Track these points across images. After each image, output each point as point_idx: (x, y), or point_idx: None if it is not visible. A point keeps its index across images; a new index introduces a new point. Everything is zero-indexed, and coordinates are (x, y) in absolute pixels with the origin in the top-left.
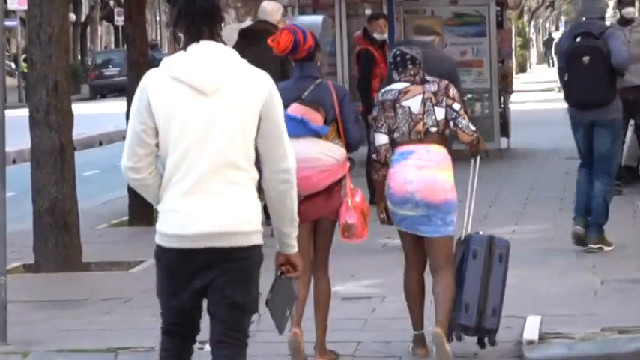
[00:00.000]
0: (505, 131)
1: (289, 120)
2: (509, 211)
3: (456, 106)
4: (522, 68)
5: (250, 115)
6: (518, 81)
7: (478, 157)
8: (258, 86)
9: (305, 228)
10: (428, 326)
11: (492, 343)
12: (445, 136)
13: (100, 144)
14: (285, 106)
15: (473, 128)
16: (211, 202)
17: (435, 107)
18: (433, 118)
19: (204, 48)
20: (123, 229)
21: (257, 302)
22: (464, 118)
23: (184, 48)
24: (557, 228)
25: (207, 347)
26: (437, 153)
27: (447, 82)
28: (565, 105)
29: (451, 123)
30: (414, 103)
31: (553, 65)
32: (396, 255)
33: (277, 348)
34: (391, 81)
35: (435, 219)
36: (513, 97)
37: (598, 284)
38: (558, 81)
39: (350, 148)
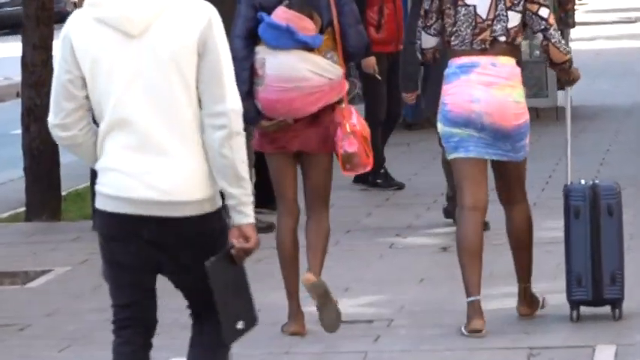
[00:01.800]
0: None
1: (272, 28)
2: None
3: (544, 12)
4: None
5: (187, 54)
6: (583, 9)
7: (571, 89)
8: (194, 18)
9: (287, 157)
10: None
11: (619, 315)
12: (516, 46)
13: None
14: (269, 11)
15: (568, 47)
16: (159, 164)
17: (509, 11)
18: (504, 25)
19: None
20: (17, 226)
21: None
22: (555, 30)
23: None
24: None
25: None
26: (505, 66)
27: None
28: None
29: (539, 35)
30: (482, 3)
31: None
32: (407, 260)
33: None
34: None
35: (502, 144)
36: (576, 31)
37: None
38: None
39: (350, 57)
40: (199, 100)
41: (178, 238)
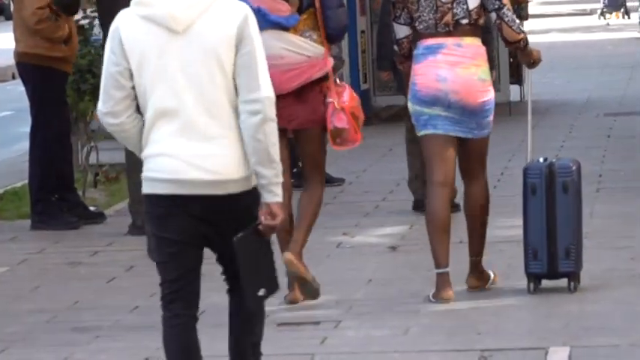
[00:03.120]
0: (517, 76)
1: None
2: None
3: None
4: None
5: (227, 49)
6: (537, 0)
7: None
8: (232, 16)
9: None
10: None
11: (574, 288)
12: (478, 26)
13: None
14: None
15: (521, 26)
16: (203, 148)
17: None
18: (465, 7)
19: None
20: None
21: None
22: (509, 10)
23: None
24: (594, 218)
25: None
26: (470, 46)
27: None
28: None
29: (492, 15)
30: None
31: None
32: (356, 258)
33: None
34: None
35: (468, 122)
36: (529, 24)
37: None
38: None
39: (330, 39)
40: (236, 89)
41: (222, 213)
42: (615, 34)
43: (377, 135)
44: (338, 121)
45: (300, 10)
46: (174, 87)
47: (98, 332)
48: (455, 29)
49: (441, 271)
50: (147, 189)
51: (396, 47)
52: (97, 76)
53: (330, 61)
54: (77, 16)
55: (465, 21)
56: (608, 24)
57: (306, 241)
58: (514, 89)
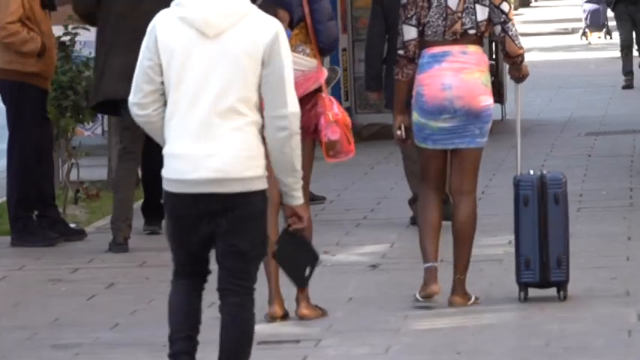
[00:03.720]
0: (498, 95)
1: None
2: (504, 210)
3: (505, 6)
4: (524, 1)
5: (252, 59)
6: (518, 19)
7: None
8: (263, 32)
9: None
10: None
11: (564, 297)
12: (482, 38)
13: None
14: None
15: (520, 41)
16: (212, 147)
17: (477, 5)
18: (473, 18)
19: None
20: None
21: (263, 247)
22: (513, 25)
23: None
24: (575, 238)
25: None
26: (475, 53)
27: None
28: (596, 54)
29: (497, 27)
30: None
31: None
32: (337, 277)
33: None
34: None
35: (473, 128)
36: None
37: (634, 320)
38: (585, 19)
39: (322, 52)
40: (259, 101)
41: (227, 210)
42: (597, 54)
43: (358, 153)
44: (332, 133)
45: (291, 26)
46: (194, 87)
47: (78, 349)
48: (461, 38)
49: (429, 265)
50: (164, 185)
51: (401, 51)
52: (78, 93)
53: (324, 73)
54: (59, 32)
55: (472, 31)
56: (589, 43)
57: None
58: (495, 108)
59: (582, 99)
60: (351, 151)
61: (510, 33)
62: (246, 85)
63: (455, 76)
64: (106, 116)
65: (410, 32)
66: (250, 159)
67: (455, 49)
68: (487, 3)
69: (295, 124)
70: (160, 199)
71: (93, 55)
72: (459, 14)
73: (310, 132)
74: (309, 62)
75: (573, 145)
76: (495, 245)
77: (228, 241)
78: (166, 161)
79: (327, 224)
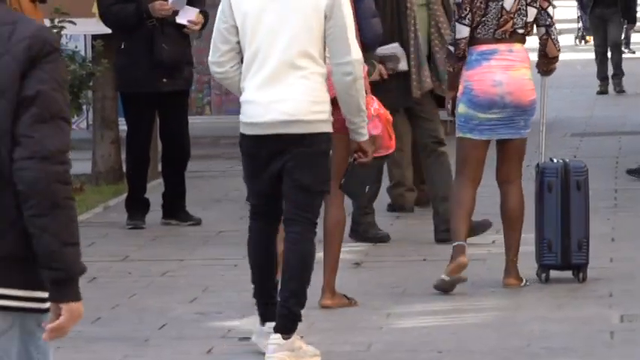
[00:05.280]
0: None
1: None
2: (490, 210)
3: (551, 10)
4: None
5: (316, 14)
6: None
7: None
8: None
9: None
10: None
11: (584, 278)
12: (525, 37)
13: None
14: None
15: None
16: (281, 93)
17: (528, 7)
18: (524, 18)
19: None
20: None
21: (326, 184)
22: (555, 28)
23: None
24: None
25: (253, 339)
26: (520, 51)
27: None
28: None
29: (541, 29)
30: None
31: None
32: (320, 274)
33: None
34: None
35: (519, 119)
36: None
37: (616, 321)
38: (583, 22)
39: (367, 47)
40: (324, 50)
41: (294, 147)
42: (584, 55)
43: None
44: (373, 128)
45: None
46: (267, 42)
47: (60, 343)
48: (510, 37)
49: (458, 243)
50: (241, 129)
51: (451, 47)
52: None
53: (366, 68)
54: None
55: (521, 31)
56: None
57: (334, 275)
58: None
59: (568, 100)
60: (392, 146)
61: (553, 37)
62: (312, 38)
63: (504, 73)
64: (90, 110)
65: (463, 31)
66: (315, 104)
67: (502, 47)
68: (537, 5)
69: (359, 69)
70: (144, 193)
71: (78, 49)
72: (512, 14)
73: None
74: None
75: (559, 146)
76: (479, 245)
77: (293, 177)
78: (243, 107)
79: None
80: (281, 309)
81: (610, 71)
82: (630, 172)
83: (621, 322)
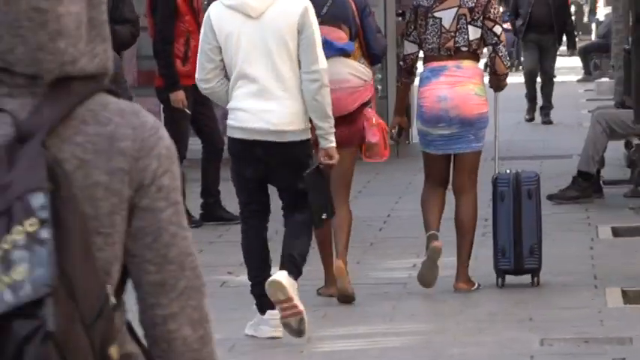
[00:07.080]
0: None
1: None
2: (410, 233)
3: (497, 29)
4: None
5: (290, 30)
6: None
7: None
8: (295, 6)
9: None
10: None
11: (537, 283)
12: (477, 54)
13: None
14: None
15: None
16: (267, 105)
17: (469, 26)
18: (465, 37)
19: None
20: None
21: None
22: (504, 45)
23: None
24: (479, 262)
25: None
26: (469, 68)
27: None
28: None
29: (490, 48)
30: (447, 17)
31: None
32: (240, 298)
33: None
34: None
35: (468, 134)
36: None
37: (536, 345)
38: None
39: (374, 60)
40: (299, 62)
41: (278, 156)
42: (511, 79)
43: None
44: (372, 136)
45: (351, 37)
46: (250, 59)
47: None
48: (455, 54)
49: (431, 232)
50: (228, 132)
51: (401, 62)
52: None
53: (373, 86)
54: None
55: (464, 48)
56: None
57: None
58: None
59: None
60: (385, 155)
61: (500, 54)
62: (289, 53)
63: (450, 89)
64: None
65: (409, 47)
66: (295, 115)
67: (450, 63)
68: (480, 25)
69: (325, 78)
70: None
71: None
72: (452, 33)
73: (358, 139)
74: (369, 73)
75: (480, 171)
76: (400, 269)
77: (280, 178)
78: (231, 112)
79: (231, 245)
80: (288, 257)
81: (539, 100)
82: (550, 197)
83: (541, 345)
